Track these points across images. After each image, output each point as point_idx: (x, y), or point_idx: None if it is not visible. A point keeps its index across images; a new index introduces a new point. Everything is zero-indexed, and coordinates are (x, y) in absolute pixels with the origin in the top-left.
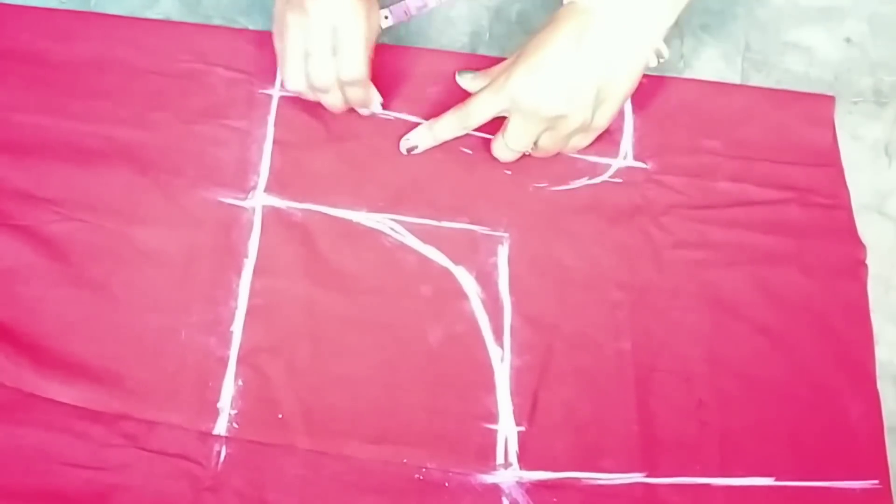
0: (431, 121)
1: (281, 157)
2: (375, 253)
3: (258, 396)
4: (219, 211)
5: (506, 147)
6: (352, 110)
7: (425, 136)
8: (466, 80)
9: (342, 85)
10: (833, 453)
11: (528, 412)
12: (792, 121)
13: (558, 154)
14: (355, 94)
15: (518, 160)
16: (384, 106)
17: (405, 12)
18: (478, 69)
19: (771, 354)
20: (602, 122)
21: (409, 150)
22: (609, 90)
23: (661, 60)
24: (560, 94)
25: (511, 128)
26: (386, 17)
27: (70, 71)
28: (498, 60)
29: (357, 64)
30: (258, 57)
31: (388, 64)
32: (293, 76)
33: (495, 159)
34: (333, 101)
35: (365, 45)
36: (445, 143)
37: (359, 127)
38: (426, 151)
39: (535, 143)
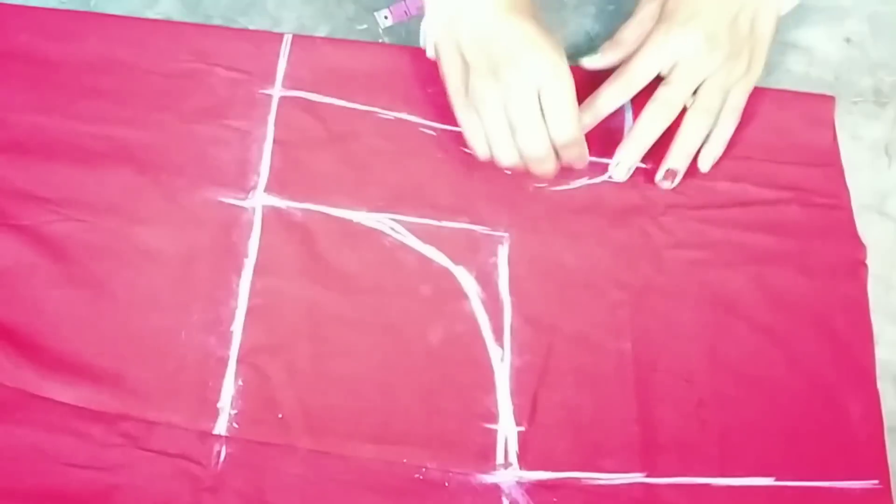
0: (589, 100)
1: (281, 157)
2: (375, 253)
3: (258, 396)
4: (219, 211)
5: (665, 103)
6: (351, 110)
7: (592, 115)
8: (596, 60)
9: (557, 149)
10: (833, 453)
11: (528, 412)
12: (792, 121)
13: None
14: (571, 154)
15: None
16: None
17: (405, 12)
18: None
19: (771, 354)
20: (758, 67)
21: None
22: (759, 30)
23: (794, 4)
24: (722, 33)
25: (674, 79)
26: (385, 17)
27: (70, 71)
28: None
29: (572, 124)
30: (258, 57)
31: (388, 64)
32: (506, 153)
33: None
34: (550, 167)
35: (575, 101)
36: (445, 143)
37: (359, 127)
38: (426, 152)
39: (695, 98)
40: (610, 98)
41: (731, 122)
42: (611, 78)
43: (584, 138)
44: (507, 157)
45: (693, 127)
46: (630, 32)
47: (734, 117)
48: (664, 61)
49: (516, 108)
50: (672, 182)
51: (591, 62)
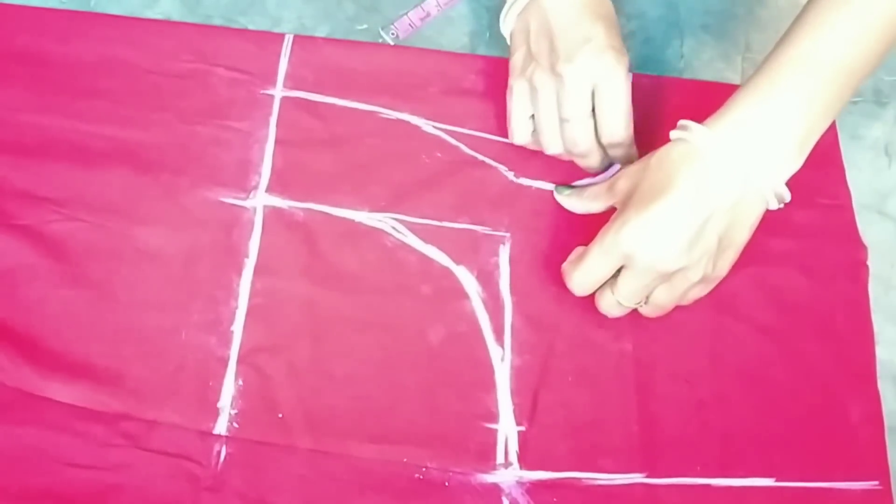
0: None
1: (282, 157)
2: (377, 252)
3: (258, 396)
4: (220, 211)
5: (617, 304)
6: (352, 110)
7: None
8: (562, 197)
9: (604, 146)
10: (833, 454)
11: (528, 412)
12: None
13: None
14: (618, 153)
15: (525, 154)
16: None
17: (410, 25)
18: (478, 69)
19: (771, 355)
20: (723, 271)
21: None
22: (730, 238)
23: (782, 205)
24: (680, 249)
25: (623, 283)
26: (393, 34)
27: (70, 71)
28: (498, 60)
29: (624, 125)
30: (259, 57)
31: (389, 64)
32: (552, 142)
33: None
34: (594, 163)
35: (629, 103)
36: (446, 143)
37: (360, 127)
38: (427, 152)
39: (647, 298)
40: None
41: (669, 307)
42: (567, 266)
43: (633, 140)
44: (552, 146)
45: (614, 312)
46: (597, 193)
47: (672, 305)
48: (613, 264)
49: (568, 103)
50: None
51: (559, 195)
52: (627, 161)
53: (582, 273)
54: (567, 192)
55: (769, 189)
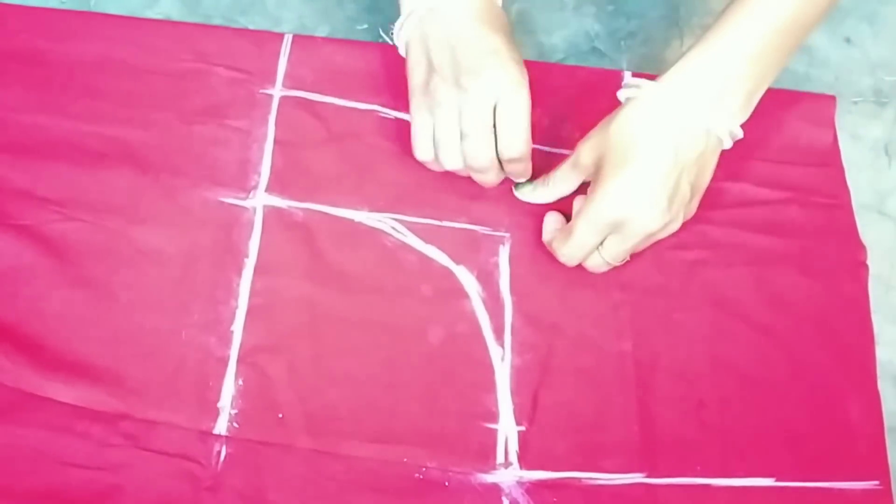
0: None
1: (282, 157)
2: (376, 252)
3: (258, 396)
4: (219, 211)
5: (605, 263)
6: (351, 109)
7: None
8: (526, 193)
9: (502, 162)
10: (833, 454)
11: (528, 412)
12: (792, 120)
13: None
14: (515, 169)
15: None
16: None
17: None
18: None
19: (771, 355)
20: (692, 213)
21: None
22: (698, 184)
23: (735, 140)
24: (663, 207)
25: (612, 247)
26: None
27: (70, 71)
28: None
29: (522, 142)
30: (259, 57)
31: (389, 64)
32: (451, 157)
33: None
34: (490, 178)
35: (528, 119)
36: None
37: (360, 126)
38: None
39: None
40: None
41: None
42: (556, 235)
43: (530, 156)
44: (451, 162)
45: (601, 269)
46: (563, 175)
47: (632, 246)
48: (603, 232)
49: (469, 117)
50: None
51: (521, 194)
52: (524, 176)
53: (572, 247)
54: (529, 187)
55: (726, 133)
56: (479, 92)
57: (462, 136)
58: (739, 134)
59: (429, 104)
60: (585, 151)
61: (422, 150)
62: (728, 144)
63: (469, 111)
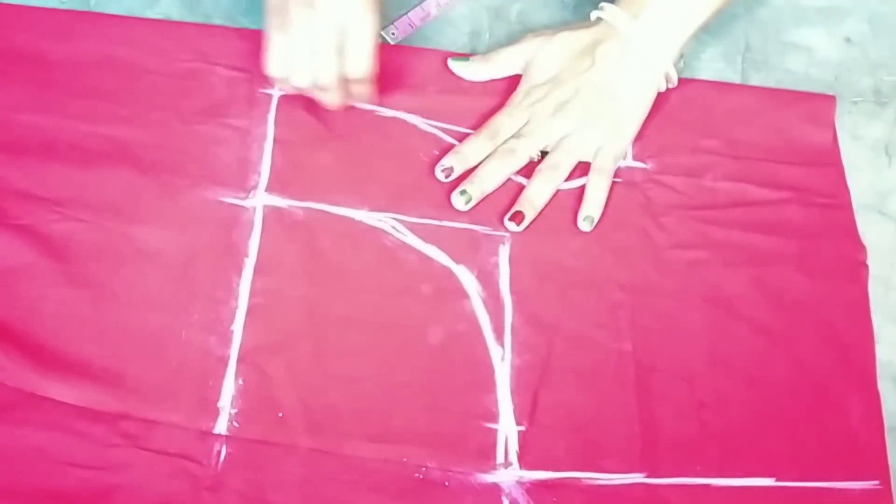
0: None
1: (282, 156)
2: (376, 252)
3: (258, 395)
4: (219, 210)
5: (507, 114)
6: (351, 108)
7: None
8: (460, 68)
9: (347, 82)
10: (833, 454)
11: (528, 411)
12: (792, 120)
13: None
14: (360, 91)
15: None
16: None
17: (410, 25)
18: None
19: (771, 355)
20: (627, 133)
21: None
22: (624, 101)
23: (670, 85)
24: (576, 103)
25: (525, 133)
26: (393, 34)
27: (70, 71)
28: None
29: (366, 62)
30: (258, 56)
31: (389, 64)
32: (300, 75)
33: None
34: (334, 98)
35: (373, 43)
36: (443, 140)
37: (360, 125)
38: (426, 151)
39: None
40: (477, 150)
41: (600, 182)
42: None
43: (373, 78)
44: (300, 79)
45: (538, 179)
46: (505, 56)
47: (602, 177)
48: (518, 62)
49: (320, 35)
50: (518, 225)
51: (456, 67)
52: (365, 100)
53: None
54: (465, 61)
55: (662, 72)
56: (328, 11)
57: (312, 55)
58: (674, 76)
59: (283, 23)
60: (535, 45)
61: (275, 66)
62: (663, 85)
63: (319, 30)
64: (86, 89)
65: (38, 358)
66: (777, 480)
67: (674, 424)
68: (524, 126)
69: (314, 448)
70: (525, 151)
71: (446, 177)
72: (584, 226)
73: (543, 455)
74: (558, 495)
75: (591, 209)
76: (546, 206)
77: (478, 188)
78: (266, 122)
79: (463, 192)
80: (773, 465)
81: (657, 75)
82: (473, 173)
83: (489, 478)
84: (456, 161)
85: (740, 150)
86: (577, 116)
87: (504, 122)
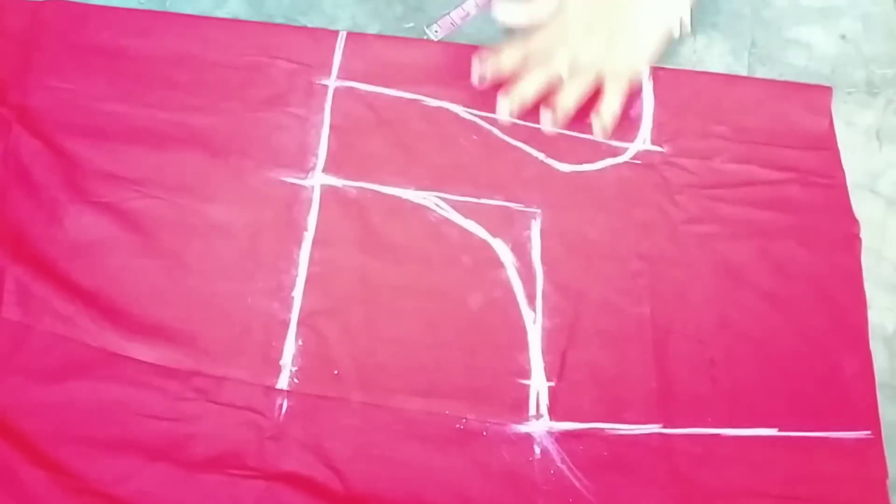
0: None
1: (336, 141)
2: (422, 226)
3: (316, 355)
4: (281, 189)
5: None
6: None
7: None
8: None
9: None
10: (830, 407)
11: (557, 369)
12: (793, 109)
13: (586, 138)
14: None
15: (554, 138)
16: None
17: (451, 24)
18: None
19: (774, 318)
20: (634, 58)
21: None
22: (632, 25)
23: (680, 34)
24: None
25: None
26: (436, 31)
27: (148, 64)
28: None
29: (614, 113)
30: (316, 51)
31: (432, 58)
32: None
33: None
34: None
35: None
36: (482, 127)
37: (406, 114)
38: (466, 136)
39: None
40: (510, 60)
41: (614, 95)
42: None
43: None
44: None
45: (566, 86)
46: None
47: (615, 94)
48: (543, 9)
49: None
50: (551, 122)
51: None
52: (606, 134)
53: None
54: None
55: (677, 15)
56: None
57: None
58: (687, 23)
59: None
60: None
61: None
62: (676, 31)
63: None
64: (162, 81)
65: (119, 321)
66: (779, 431)
67: (687, 380)
68: (553, 44)
69: (366, 402)
70: (556, 64)
71: (480, 82)
72: (600, 135)
73: (571, 408)
74: (584, 444)
75: (606, 119)
76: (572, 186)
77: (518, 98)
78: (323, 110)
79: (507, 100)
80: (775, 416)
81: (672, 17)
82: (513, 86)
83: (522, 428)
84: (490, 68)
85: (746, 136)
86: (602, 36)
87: (537, 39)
